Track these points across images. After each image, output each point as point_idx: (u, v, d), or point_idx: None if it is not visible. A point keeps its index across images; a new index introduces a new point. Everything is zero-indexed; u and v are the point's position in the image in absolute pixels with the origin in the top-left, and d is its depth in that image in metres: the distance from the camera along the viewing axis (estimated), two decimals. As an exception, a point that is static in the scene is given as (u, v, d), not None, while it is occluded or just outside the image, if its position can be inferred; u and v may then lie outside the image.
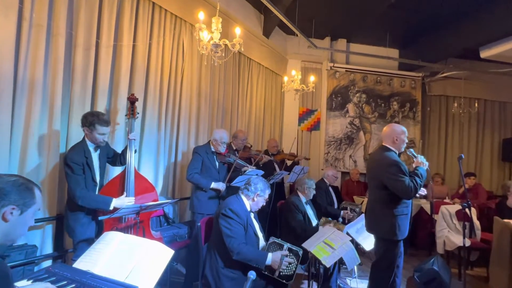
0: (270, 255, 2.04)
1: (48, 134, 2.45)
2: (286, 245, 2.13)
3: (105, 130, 2.26)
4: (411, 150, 2.56)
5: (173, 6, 3.50)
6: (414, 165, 2.48)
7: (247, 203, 2.30)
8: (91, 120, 2.22)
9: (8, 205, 1.07)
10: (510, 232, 3.19)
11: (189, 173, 2.91)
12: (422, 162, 2.46)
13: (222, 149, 3.04)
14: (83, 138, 2.31)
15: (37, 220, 2.36)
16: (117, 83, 2.97)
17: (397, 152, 2.52)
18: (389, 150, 2.51)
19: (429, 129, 6.94)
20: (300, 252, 2.11)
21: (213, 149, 3.06)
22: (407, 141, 2.56)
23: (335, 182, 4.44)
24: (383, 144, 2.58)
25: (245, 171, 3.31)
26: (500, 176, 6.93)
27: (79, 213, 2.21)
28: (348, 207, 3.85)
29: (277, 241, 2.18)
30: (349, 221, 3.68)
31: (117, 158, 2.59)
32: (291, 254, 2.09)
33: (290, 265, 2.05)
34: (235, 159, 3.13)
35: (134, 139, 2.54)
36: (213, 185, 2.94)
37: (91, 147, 2.29)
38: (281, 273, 2.02)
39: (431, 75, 6.68)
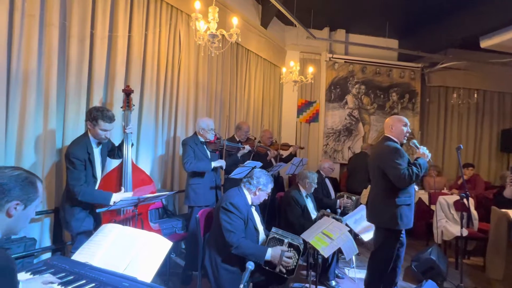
0: (269, 250, 2.02)
1: (44, 127, 2.43)
2: (287, 240, 2.09)
3: (108, 127, 2.23)
4: (414, 141, 2.57)
5: (168, -5, 3.43)
6: (415, 156, 2.48)
7: (249, 197, 2.28)
8: (95, 115, 2.18)
9: (12, 200, 1.06)
10: (507, 222, 3.21)
11: (185, 163, 2.83)
12: (423, 153, 2.44)
13: (211, 136, 2.97)
14: (86, 132, 2.28)
15: (35, 213, 2.35)
16: (113, 74, 2.93)
17: (398, 142, 2.52)
18: (390, 139, 2.52)
19: (428, 120, 6.93)
20: (301, 247, 2.08)
21: (201, 139, 2.99)
22: (407, 130, 2.54)
23: (331, 174, 4.43)
24: (384, 134, 2.62)
25: (242, 154, 3.27)
26: (498, 167, 6.95)
27: (75, 208, 2.20)
28: (345, 195, 3.87)
29: (277, 236, 2.14)
30: (346, 208, 3.71)
31: (115, 151, 2.58)
32: (291, 249, 2.06)
33: (291, 260, 2.03)
34: (227, 142, 3.07)
35: (131, 132, 2.51)
36: (214, 163, 2.90)
37: (93, 142, 2.27)
38: (282, 268, 2.00)
39: (430, 66, 6.64)
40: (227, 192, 2.31)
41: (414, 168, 2.33)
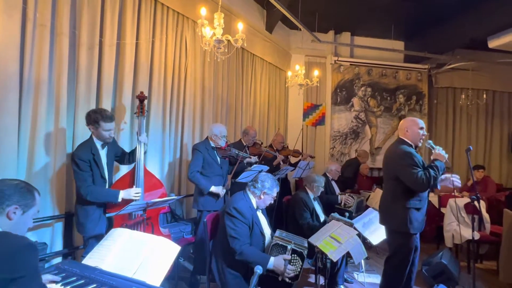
0: (272, 259, 1.99)
1: (54, 134, 2.48)
2: (290, 246, 2.05)
3: (110, 126, 2.28)
4: (430, 142, 2.48)
5: (175, 3, 3.49)
6: (432, 157, 2.40)
7: (254, 200, 2.27)
8: (94, 117, 2.23)
9: (11, 205, 1.20)
10: (520, 225, 3.14)
11: (190, 171, 2.87)
12: (440, 154, 2.36)
13: (222, 143, 3.01)
14: (91, 136, 2.33)
15: (46, 218, 2.40)
16: (121, 81, 2.98)
17: (413, 145, 2.46)
18: (404, 142, 2.47)
19: (436, 121, 6.85)
20: (305, 252, 2.06)
21: (212, 145, 3.02)
22: (423, 133, 2.47)
23: (338, 176, 4.42)
24: (399, 136, 2.56)
25: (248, 162, 3.30)
26: (509, 169, 6.82)
27: (89, 209, 2.24)
28: (346, 194, 3.90)
29: (280, 242, 2.09)
30: (347, 205, 3.78)
31: (125, 157, 2.61)
32: (294, 255, 2.03)
33: (294, 267, 2.01)
34: (236, 151, 3.10)
35: (145, 143, 2.54)
36: (212, 189, 2.87)
37: (98, 144, 2.32)
38: (285, 276, 1.98)
39: (437, 67, 6.58)
40: (232, 196, 2.31)
41: (432, 171, 2.25)
